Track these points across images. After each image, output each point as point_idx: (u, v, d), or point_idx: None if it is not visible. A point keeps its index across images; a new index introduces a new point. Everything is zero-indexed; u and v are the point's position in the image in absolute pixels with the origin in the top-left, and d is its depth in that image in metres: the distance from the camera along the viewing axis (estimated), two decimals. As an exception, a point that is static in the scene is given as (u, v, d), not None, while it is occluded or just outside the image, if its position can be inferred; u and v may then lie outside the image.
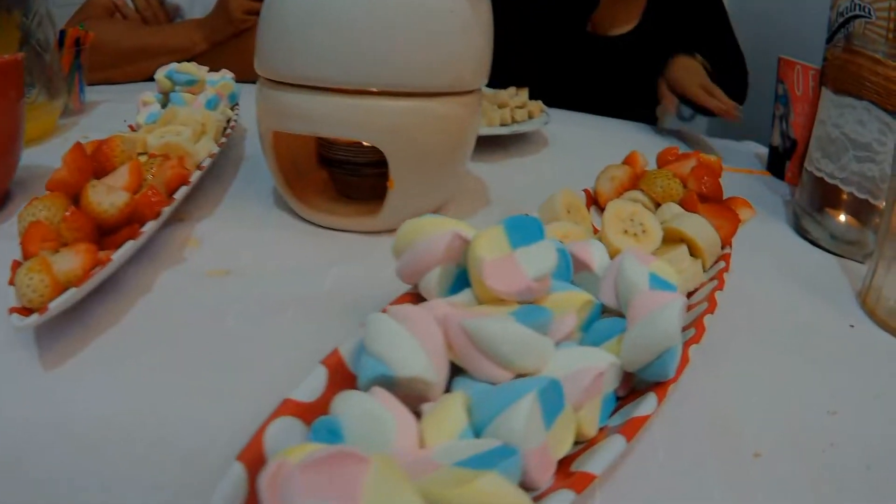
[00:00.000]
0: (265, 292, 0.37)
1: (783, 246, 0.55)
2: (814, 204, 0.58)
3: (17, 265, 0.34)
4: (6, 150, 0.49)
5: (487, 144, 0.70)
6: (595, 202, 0.46)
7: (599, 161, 0.66)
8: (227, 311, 0.35)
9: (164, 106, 0.61)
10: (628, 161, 0.48)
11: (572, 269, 0.31)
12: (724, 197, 0.45)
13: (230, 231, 0.44)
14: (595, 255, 0.30)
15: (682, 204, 0.42)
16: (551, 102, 0.85)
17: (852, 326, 0.41)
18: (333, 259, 0.42)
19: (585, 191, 0.46)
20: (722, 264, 0.39)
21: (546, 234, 0.36)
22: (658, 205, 0.43)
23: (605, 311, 0.29)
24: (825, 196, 0.57)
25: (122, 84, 0.92)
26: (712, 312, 0.32)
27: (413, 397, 0.21)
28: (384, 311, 0.24)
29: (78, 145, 0.40)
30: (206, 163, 0.46)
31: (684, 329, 0.30)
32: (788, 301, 0.43)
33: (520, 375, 0.23)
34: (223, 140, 0.51)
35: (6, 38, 0.69)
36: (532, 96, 0.80)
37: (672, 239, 0.38)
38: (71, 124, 0.74)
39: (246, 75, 0.90)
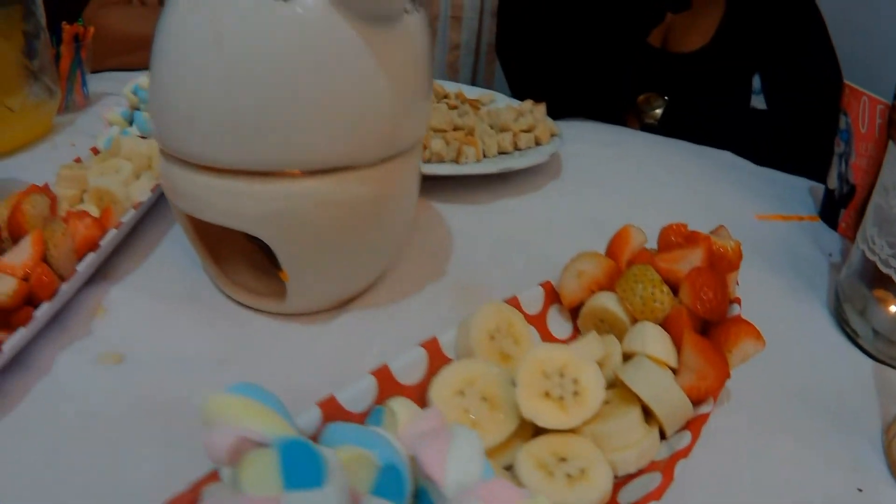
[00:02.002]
0: (148, 392, 0.32)
1: (810, 338, 0.42)
2: (860, 290, 0.44)
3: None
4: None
5: (474, 179, 0.57)
6: (558, 302, 0.34)
7: (616, 204, 0.52)
8: (105, 414, 0.30)
9: (130, 123, 0.55)
10: (613, 247, 0.35)
11: (408, 484, 0.20)
12: (731, 314, 0.32)
13: (142, 300, 0.38)
14: (452, 460, 0.19)
15: (666, 326, 0.29)
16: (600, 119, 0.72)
17: (860, 490, 0.29)
18: (233, 351, 0.35)
19: (545, 286, 0.34)
20: (686, 439, 0.26)
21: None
22: (635, 321, 0.31)
23: None
24: (876, 282, 0.43)
25: (134, 71, 0.86)
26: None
27: None
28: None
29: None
30: (128, 217, 0.40)
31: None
32: (783, 431, 0.32)
33: None
34: (157, 183, 0.44)
35: (8, 34, 0.64)
36: (581, 114, 0.67)
37: (624, 393, 0.27)
38: (68, 123, 0.70)
39: None
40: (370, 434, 0.21)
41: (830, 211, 0.62)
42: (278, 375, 0.32)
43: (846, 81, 0.60)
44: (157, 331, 0.36)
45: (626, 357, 0.29)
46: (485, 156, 0.57)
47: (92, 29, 0.73)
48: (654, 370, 0.27)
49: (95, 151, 0.51)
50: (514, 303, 0.33)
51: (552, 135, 0.61)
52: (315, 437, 0.23)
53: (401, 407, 0.24)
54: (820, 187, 0.67)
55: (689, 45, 0.80)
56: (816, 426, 0.33)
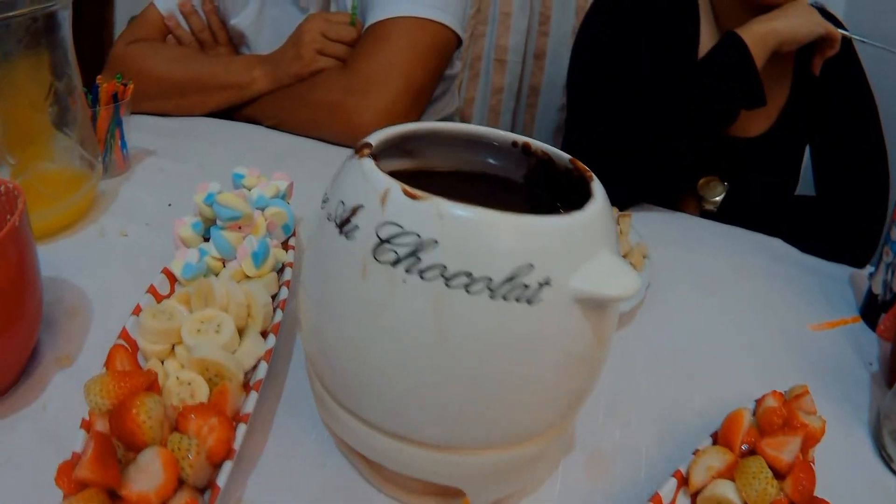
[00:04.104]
0: None
1: (847, 459, 0.43)
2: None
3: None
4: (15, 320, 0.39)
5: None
6: (685, 483, 0.37)
7: (702, 327, 0.53)
8: None
9: (204, 237, 0.48)
10: (727, 430, 0.38)
11: None
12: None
13: (286, 496, 0.34)
14: None
15: None
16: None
17: None
18: None
19: (677, 475, 0.36)
20: None
21: None
22: None
23: None
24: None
25: (172, 118, 0.77)
26: None
27: None
28: None
29: (100, 440, 0.29)
30: (252, 404, 0.35)
31: None
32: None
33: None
34: (271, 346, 0.39)
35: (35, 84, 0.55)
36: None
37: None
38: (111, 193, 0.62)
39: (309, 130, 0.72)
40: None
41: (872, 313, 0.61)
42: None
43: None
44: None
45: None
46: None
47: (132, 87, 0.63)
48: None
49: (170, 275, 0.45)
50: (656, 499, 0.35)
51: (643, 257, 0.57)
52: None
53: None
54: (859, 274, 0.67)
55: (752, 130, 0.76)
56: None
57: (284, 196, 0.51)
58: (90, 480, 0.30)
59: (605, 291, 0.23)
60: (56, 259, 0.51)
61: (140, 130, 0.69)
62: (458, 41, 0.76)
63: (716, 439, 0.39)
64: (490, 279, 0.22)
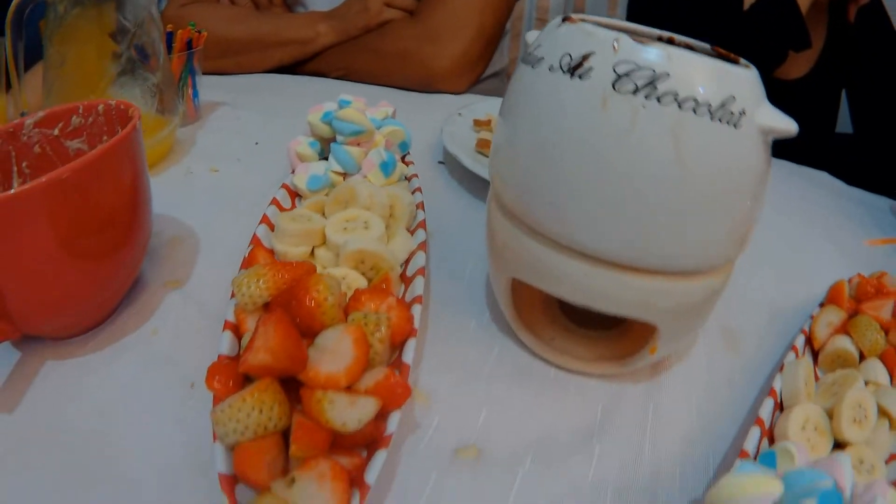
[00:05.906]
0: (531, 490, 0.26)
1: None
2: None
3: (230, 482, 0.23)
4: (128, 240, 0.34)
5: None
6: (809, 344, 0.39)
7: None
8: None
9: (321, 155, 0.44)
10: (834, 296, 0.41)
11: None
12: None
13: (458, 377, 0.32)
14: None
15: (882, 359, 0.37)
16: None
17: None
18: (587, 421, 0.31)
19: (803, 332, 0.39)
20: None
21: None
22: (861, 355, 0.37)
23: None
24: None
25: (233, 76, 0.72)
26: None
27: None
28: None
29: (282, 318, 0.24)
30: (419, 287, 0.31)
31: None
32: None
33: None
34: (423, 239, 0.35)
35: (95, 40, 0.50)
36: None
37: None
38: (187, 140, 0.57)
39: (381, 79, 0.69)
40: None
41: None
42: (633, 436, 0.31)
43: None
44: (498, 416, 0.30)
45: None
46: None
47: (205, 34, 0.59)
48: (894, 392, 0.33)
49: (290, 190, 0.40)
50: (795, 349, 0.36)
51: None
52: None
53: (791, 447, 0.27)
54: (899, 206, 0.67)
55: (793, 73, 0.78)
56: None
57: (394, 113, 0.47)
58: (271, 367, 0.25)
59: (780, 125, 0.27)
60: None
61: (204, 87, 0.64)
62: None
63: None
64: (710, 103, 0.26)
